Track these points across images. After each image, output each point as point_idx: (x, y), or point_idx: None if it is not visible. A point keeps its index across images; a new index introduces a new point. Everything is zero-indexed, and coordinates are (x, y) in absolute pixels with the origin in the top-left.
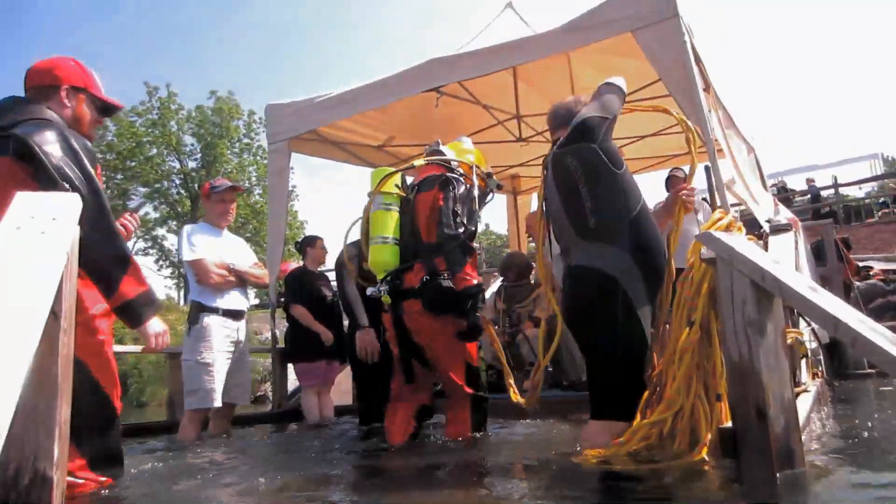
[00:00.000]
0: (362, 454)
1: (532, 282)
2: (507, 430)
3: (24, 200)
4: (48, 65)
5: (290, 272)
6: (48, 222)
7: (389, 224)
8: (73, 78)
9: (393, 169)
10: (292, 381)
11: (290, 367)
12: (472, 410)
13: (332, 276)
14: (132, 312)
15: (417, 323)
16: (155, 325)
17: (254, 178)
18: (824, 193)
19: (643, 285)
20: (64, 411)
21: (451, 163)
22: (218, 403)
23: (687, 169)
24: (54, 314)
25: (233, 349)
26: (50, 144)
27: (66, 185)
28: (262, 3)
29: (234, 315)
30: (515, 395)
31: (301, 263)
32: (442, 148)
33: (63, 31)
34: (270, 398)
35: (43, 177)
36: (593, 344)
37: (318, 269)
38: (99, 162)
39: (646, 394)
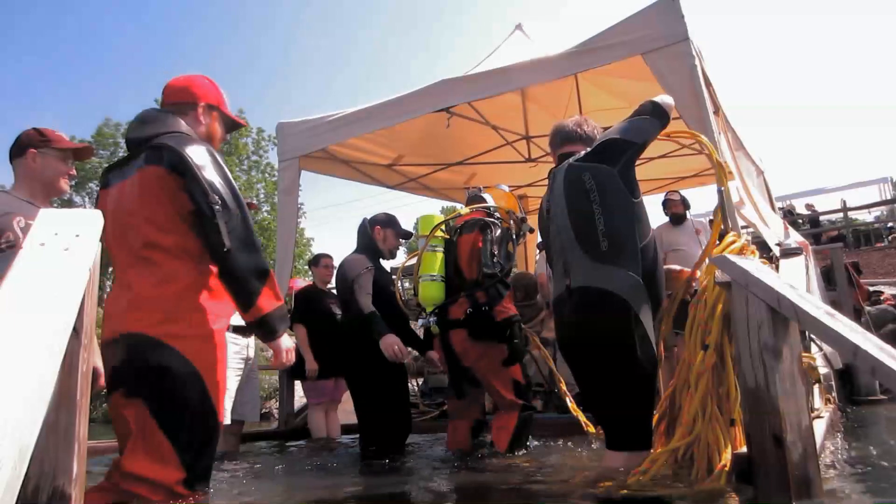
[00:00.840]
0: (368, 472)
1: (539, 302)
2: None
3: (48, 217)
4: (186, 82)
5: (298, 290)
6: (71, 239)
7: (436, 263)
8: (209, 96)
9: (442, 217)
10: (298, 399)
11: (297, 384)
12: (518, 420)
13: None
14: (267, 327)
15: (464, 348)
16: (286, 340)
17: (262, 196)
18: (833, 217)
19: (650, 312)
20: (83, 428)
21: (490, 208)
22: (227, 420)
23: (688, 192)
24: (76, 331)
25: (242, 365)
26: (201, 159)
27: (217, 199)
28: (272, 24)
29: (244, 331)
30: (576, 411)
31: (311, 281)
32: (483, 194)
33: (75, 45)
34: (276, 415)
35: (197, 189)
36: (609, 370)
37: (327, 287)
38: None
39: (655, 417)
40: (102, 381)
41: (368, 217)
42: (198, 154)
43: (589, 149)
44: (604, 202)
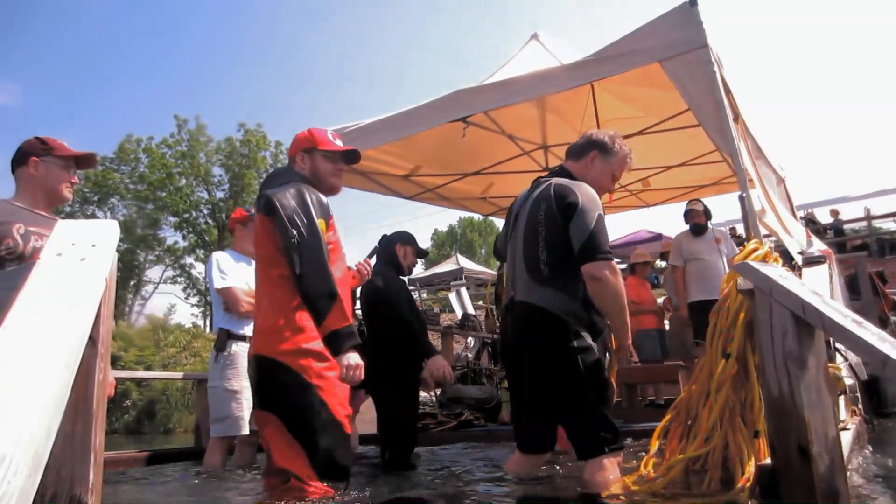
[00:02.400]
0: (386, 482)
1: None
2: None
3: (66, 228)
4: (292, 141)
5: None
6: (88, 249)
7: None
8: (302, 144)
9: None
10: None
11: None
12: None
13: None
14: (334, 342)
15: None
16: (351, 357)
17: None
18: (856, 226)
19: (589, 332)
20: (99, 437)
21: None
22: (246, 431)
23: (706, 201)
24: (92, 340)
25: None
26: (286, 199)
27: (295, 232)
28: (292, 41)
29: None
30: None
31: None
32: None
33: (94, 64)
34: None
35: (280, 225)
36: (560, 386)
37: None
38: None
39: (666, 419)
40: (109, 390)
41: (388, 233)
42: (285, 196)
43: (567, 184)
44: (548, 238)
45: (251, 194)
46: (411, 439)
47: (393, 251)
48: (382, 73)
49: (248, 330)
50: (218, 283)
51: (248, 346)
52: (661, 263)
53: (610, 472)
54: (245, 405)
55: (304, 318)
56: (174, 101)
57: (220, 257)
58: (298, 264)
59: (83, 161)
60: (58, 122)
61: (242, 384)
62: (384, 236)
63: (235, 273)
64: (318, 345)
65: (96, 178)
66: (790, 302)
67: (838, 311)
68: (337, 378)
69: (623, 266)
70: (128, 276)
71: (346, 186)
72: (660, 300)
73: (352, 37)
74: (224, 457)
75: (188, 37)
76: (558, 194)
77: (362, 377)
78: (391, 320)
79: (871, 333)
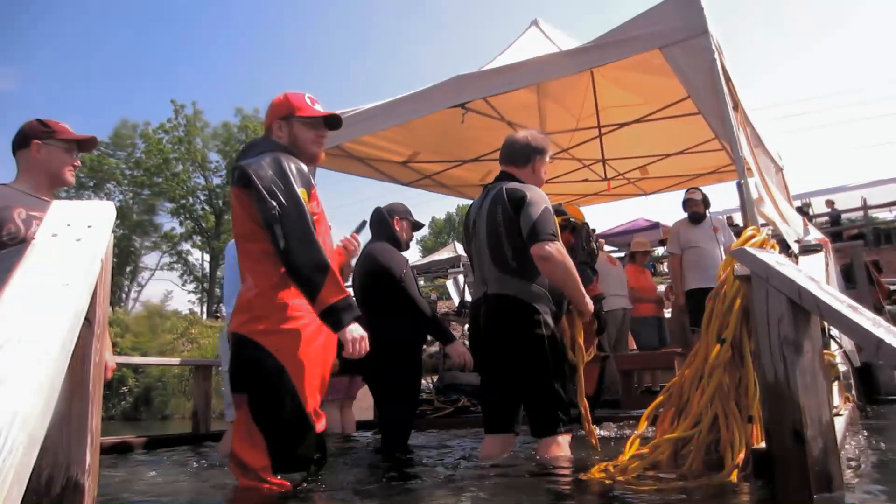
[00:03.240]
0: (383, 466)
1: None
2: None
3: (61, 208)
4: (268, 107)
5: None
6: (84, 230)
7: None
8: (278, 111)
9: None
10: None
11: None
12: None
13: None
14: (333, 317)
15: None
16: (354, 329)
17: None
18: (853, 216)
19: (550, 314)
20: (96, 419)
21: (571, 218)
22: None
23: (705, 189)
24: (88, 321)
25: None
26: (262, 169)
27: (274, 203)
28: (288, 26)
29: None
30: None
31: None
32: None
33: (91, 48)
34: None
35: (256, 197)
36: (524, 364)
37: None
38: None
39: (657, 400)
40: (108, 373)
41: (383, 206)
42: (261, 166)
43: (518, 186)
44: (508, 235)
45: None
46: (409, 425)
47: (390, 225)
48: (388, 57)
49: None
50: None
51: None
52: (660, 251)
53: (563, 449)
54: None
55: (286, 296)
56: (171, 86)
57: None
58: (282, 237)
59: (85, 144)
60: (55, 106)
61: None
62: (377, 209)
63: None
64: (296, 324)
65: (92, 164)
66: (787, 287)
67: (834, 296)
68: (316, 363)
69: (621, 255)
70: (124, 263)
71: (343, 172)
72: (661, 287)
73: (354, 18)
74: None
75: (186, 21)
76: (511, 196)
77: (367, 349)
78: (395, 299)
79: (865, 318)
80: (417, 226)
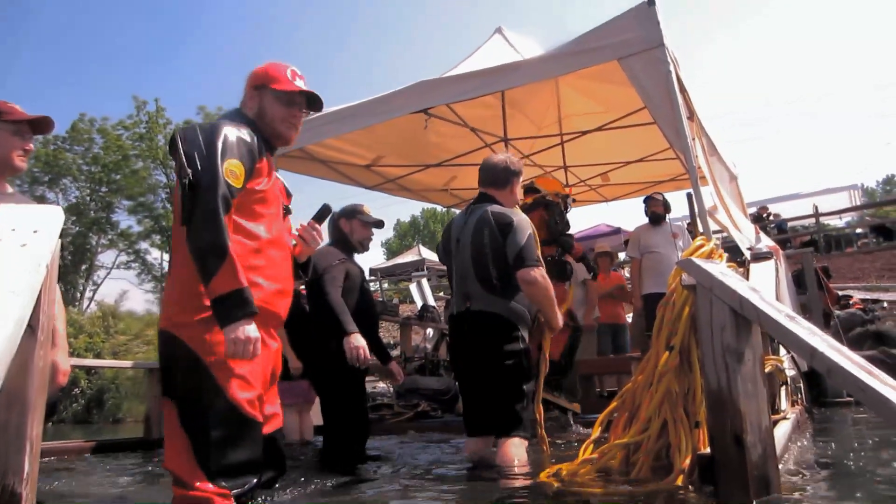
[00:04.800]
0: (323, 476)
1: None
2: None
3: (6, 213)
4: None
5: None
6: (29, 235)
7: None
8: (254, 80)
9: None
10: None
11: None
12: (569, 339)
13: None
14: (220, 309)
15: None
16: (240, 329)
17: None
18: (805, 223)
19: (527, 330)
20: (36, 427)
21: (545, 195)
22: None
23: (667, 195)
24: (31, 328)
25: None
26: (193, 133)
27: (190, 171)
28: (254, 21)
29: None
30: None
31: None
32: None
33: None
34: None
35: (177, 164)
36: (502, 373)
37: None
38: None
39: (610, 406)
40: (61, 378)
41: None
42: (195, 132)
43: (504, 211)
44: (494, 258)
45: None
46: (354, 428)
47: (338, 228)
48: (355, 58)
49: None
50: None
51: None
52: (622, 255)
53: (520, 451)
54: None
55: None
56: (132, 82)
57: None
58: (188, 211)
59: (38, 125)
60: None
61: None
62: (331, 214)
63: None
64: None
65: (47, 158)
66: (729, 297)
67: (773, 306)
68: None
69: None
70: (79, 261)
71: (306, 175)
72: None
73: (325, 18)
74: None
75: (148, 15)
76: (498, 221)
77: (258, 352)
78: (319, 298)
79: (801, 328)
80: (375, 223)
